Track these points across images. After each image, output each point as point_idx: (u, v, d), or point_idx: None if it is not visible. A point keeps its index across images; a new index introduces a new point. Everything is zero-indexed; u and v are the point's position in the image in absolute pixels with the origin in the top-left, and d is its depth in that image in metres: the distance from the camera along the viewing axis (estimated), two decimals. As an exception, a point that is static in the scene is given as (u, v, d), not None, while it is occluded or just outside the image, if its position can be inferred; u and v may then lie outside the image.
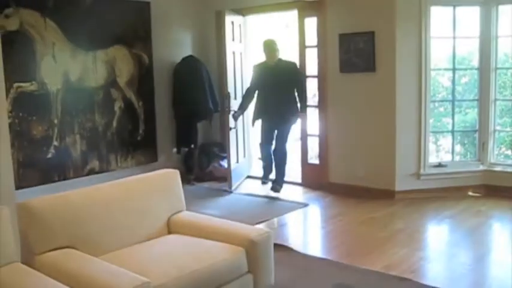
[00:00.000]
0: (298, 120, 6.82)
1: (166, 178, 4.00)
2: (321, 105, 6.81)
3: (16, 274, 2.92)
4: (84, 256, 3.17)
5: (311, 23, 6.80)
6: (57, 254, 3.16)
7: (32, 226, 3.15)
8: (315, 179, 6.92)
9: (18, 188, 5.55)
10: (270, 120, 6.68)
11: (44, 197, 3.34)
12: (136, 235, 3.61)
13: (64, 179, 6.20)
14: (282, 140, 6.74)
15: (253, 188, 7.11)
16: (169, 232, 3.83)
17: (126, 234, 3.54)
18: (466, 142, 6.87)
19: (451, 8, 6.19)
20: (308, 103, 6.72)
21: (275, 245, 3.82)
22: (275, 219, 5.73)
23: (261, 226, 5.18)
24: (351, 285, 4.00)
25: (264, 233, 3.59)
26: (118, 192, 3.64)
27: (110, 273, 2.90)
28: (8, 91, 5.55)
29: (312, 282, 4.11)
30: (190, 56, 7.47)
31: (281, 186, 6.76)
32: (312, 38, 6.81)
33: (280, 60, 6.63)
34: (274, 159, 6.85)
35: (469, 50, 6.65)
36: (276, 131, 6.75)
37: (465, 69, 6.80)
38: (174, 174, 4.03)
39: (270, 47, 6.60)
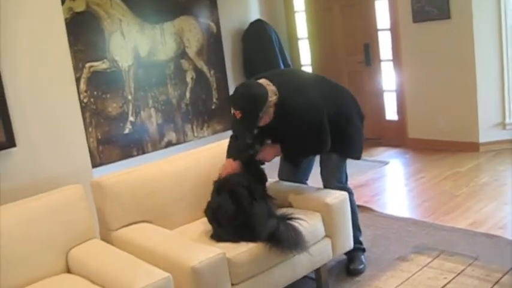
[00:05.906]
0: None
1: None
2: (395, 59, 6.53)
3: (93, 250, 2.99)
4: (158, 230, 3.19)
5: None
6: (132, 229, 3.20)
7: (106, 203, 3.19)
8: (394, 135, 6.70)
9: (99, 165, 5.75)
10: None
11: (116, 173, 3.36)
12: (211, 205, 3.59)
13: (143, 153, 6.29)
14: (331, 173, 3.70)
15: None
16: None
17: (200, 204, 3.53)
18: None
19: None
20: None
21: (354, 206, 3.70)
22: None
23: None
24: (434, 245, 3.84)
25: (340, 196, 3.47)
26: (188, 164, 3.62)
27: (183, 247, 2.90)
28: (81, 71, 5.69)
29: (393, 244, 3.98)
30: (258, 20, 7.33)
31: (362, 263, 3.71)
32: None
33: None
34: None
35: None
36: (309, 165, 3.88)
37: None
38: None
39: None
